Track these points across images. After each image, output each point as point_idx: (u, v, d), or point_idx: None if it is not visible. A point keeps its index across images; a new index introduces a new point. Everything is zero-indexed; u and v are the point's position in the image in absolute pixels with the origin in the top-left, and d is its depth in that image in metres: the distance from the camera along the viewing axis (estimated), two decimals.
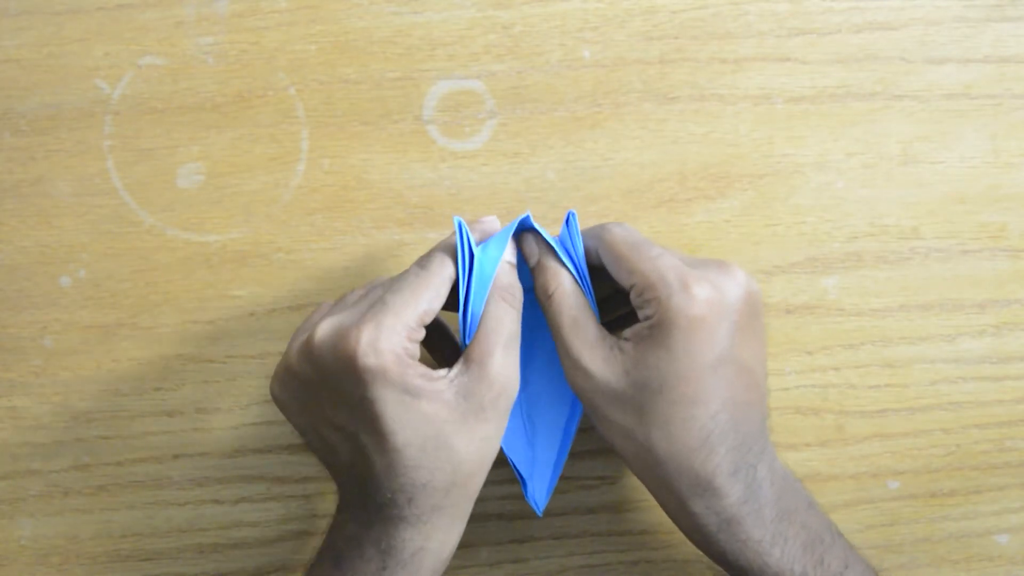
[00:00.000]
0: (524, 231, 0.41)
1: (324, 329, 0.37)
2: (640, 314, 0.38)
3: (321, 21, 0.47)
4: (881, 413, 0.49)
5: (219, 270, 0.47)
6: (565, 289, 0.39)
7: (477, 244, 0.40)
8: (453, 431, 0.37)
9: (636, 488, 0.48)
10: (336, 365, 0.37)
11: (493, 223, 0.41)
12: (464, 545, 0.48)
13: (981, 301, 0.49)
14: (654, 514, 0.48)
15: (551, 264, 0.40)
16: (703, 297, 0.36)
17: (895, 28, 0.48)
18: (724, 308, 0.37)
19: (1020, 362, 0.49)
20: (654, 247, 0.38)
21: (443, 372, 0.38)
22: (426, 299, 0.38)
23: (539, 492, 0.43)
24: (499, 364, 0.38)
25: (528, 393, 0.43)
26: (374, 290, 0.40)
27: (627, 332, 0.38)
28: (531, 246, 0.40)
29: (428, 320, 0.38)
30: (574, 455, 0.48)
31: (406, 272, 0.39)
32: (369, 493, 0.38)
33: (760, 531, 0.38)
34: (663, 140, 0.48)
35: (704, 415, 0.37)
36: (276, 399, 0.40)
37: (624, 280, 0.38)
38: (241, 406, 0.47)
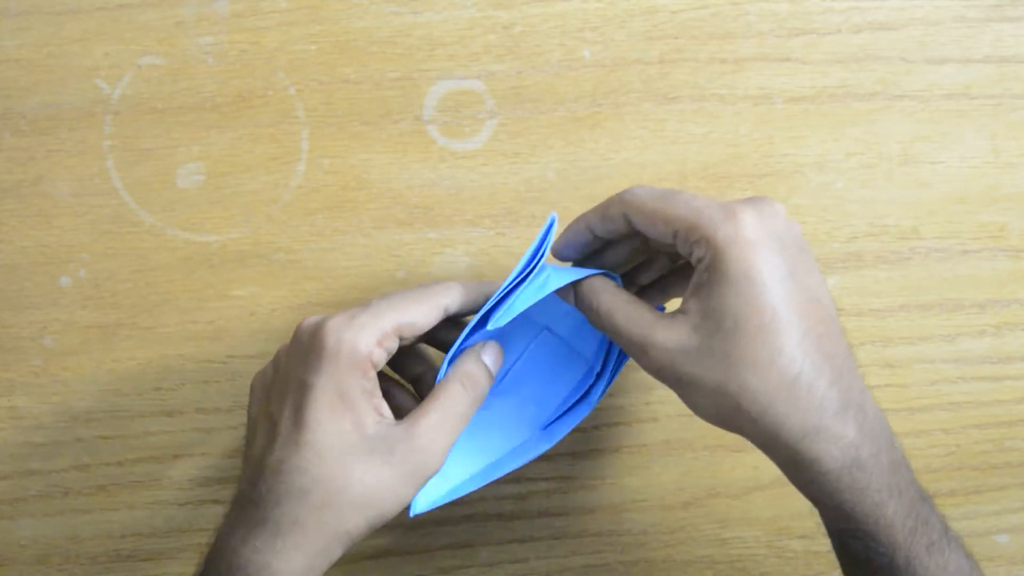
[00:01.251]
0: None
1: (313, 318, 0.38)
2: (692, 260, 0.36)
3: (321, 21, 0.47)
4: None
5: (219, 270, 0.47)
6: (605, 297, 0.38)
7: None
8: (354, 458, 0.36)
9: (636, 488, 0.48)
10: (305, 348, 0.37)
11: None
12: (464, 545, 0.48)
13: (981, 301, 0.49)
14: (654, 514, 0.48)
15: (583, 289, 0.39)
16: (750, 222, 0.35)
17: (895, 28, 0.48)
18: (774, 232, 0.35)
19: (1020, 362, 0.49)
20: (684, 193, 0.37)
21: (383, 410, 0.37)
22: (411, 313, 0.38)
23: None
24: (427, 426, 0.37)
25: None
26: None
27: (685, 293, 0.37)
28: (567, 290, 0.39)
29: (408, 334, 0.38)
30: (574, 455, 0.48)
31: (412, 287, 0.39)
32: (248, 489, 0.37)
33: (880, 479, 0.35)
34: (663, 140, 0.48)
35: (789, 344, 0.34)
36: (251, 390, 0.41)
37: (663, 233, 0.37)
38: (241, 406, 0.47)
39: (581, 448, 0.48)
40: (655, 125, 0.48)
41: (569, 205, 0.48)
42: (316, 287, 0.47)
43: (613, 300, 0.38)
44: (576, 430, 0.48)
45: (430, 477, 0.37)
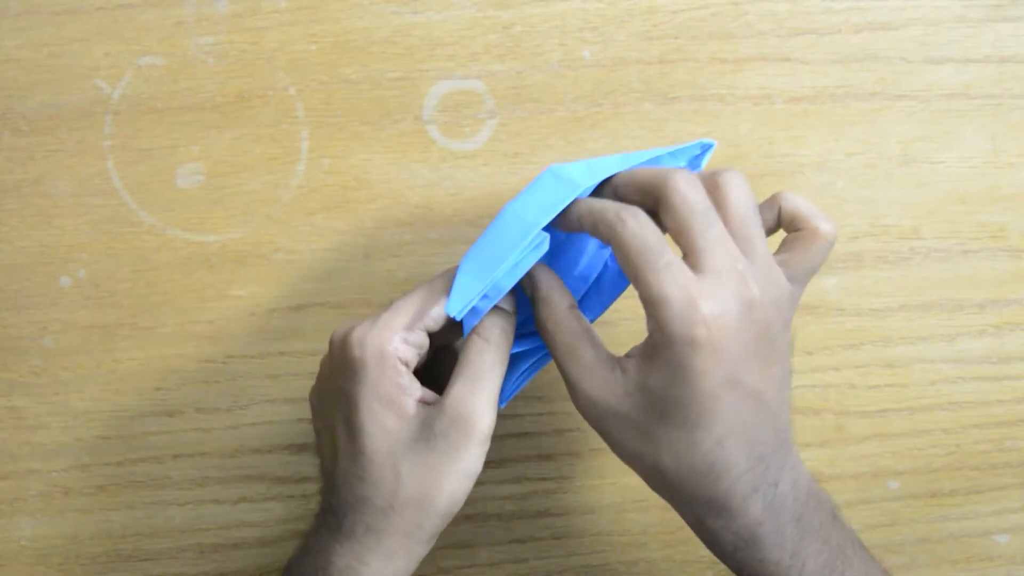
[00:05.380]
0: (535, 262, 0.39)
1: (341, 327, 0.38)
2: (647, 324, 0.36)
3: (321, 21, 0.47)
4: (881, 413, 0.49)
5: (219, 270, 0.47)
6: (557, 319, 0.37)
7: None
8: (403, 453, 0.37)
9: (636, 488, 0.48)
10: (339, 360, 0.38)
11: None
12: (464, 545, 0.48)
13: (981, 301, 0.49)
14: (654, 514, 0.48)
15: (543, 294, 0.38)
16: (706, 319, 0.34)
17: (895, 28, 0.48)
18: (729, 331, 0.34)
19: (1020, 362, 0.49)
20: (663, 255, 0.35)
21: (426, 396, 0.38)
22: (428, 303, 0.38)
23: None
24: (457, 396, 0.37)
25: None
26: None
27: (632, 349, 0.37)
28: (527, 278, 0.39)
29: (432, 325, 0.38)
30: (574, 455, 0.48)
31: (433, 278, 0.39)
32: (326, 499, 0.39)
33: (778, 552, 0.36)
34: (663, 140, 0.48)
35: (708, 440, 0.35)
36: (311, 405, 0.42)
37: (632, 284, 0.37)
38: (241, 406, 0.47)
39: (581, 448, 0.48)
40: (655, 125, 0.48)
41: None
42: (316, 287, 0.47)
43: (560, 325, 0.38)
44: (576, 430, 0.48)
45: (483, 437, 0.37)
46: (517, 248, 0.37)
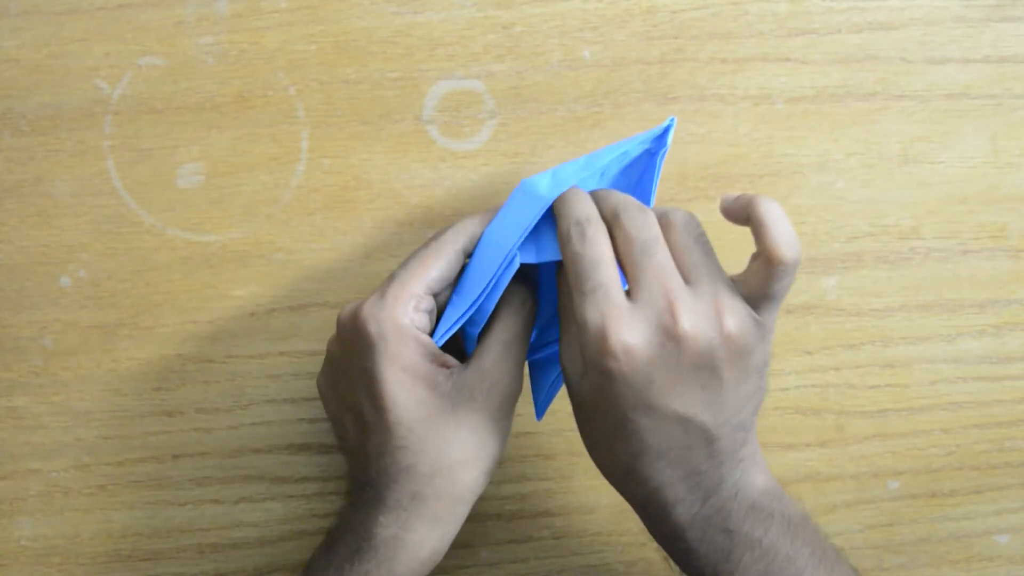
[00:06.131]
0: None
1: (347, 307, 0.39)
2: None
3: (321, 21, 0.47)
4: (881, 413, 0.49)
5: (219, 270, 0.47)
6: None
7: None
8: (442, 418, 0.38)
9: None
10: (351, 339, 0.38)
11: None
12: (464, 545, 0.48)
13: (981, 301, 0.49)
14: None
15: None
16: (615, 351, 0.35)
17: (895, 28, 0.48)
18: (641, 363, 0.35)
19: (1020, 362, 0.49)
20: (592, 278, 0.36)
21: (450, 361, 0.38)
22: (434, 267, 0.38)
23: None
24: (492, 359, 0.38)
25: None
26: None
27: None
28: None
29: (438, 288, 0.39)
30: (574, 455, 0.48)
31: (421, 246, 0.40)
32: (360, 474, 0.39)
33: (705, 559, 0.37)
34: None
35: (625, 453, 0.37)
36: (319, 390, 0.42)
37: None
38: (241, 406, 0.47)
39: (581, 448, 0.48)
40: (655, 125, 0.48)
41: None
42: (316, 287, 0.47)
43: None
44: (576, 430, 0.48)
45: (516, 399, 0.39)
46: (493, 270, 0.38)
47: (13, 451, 0.47)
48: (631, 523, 0.49)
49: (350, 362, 0.39)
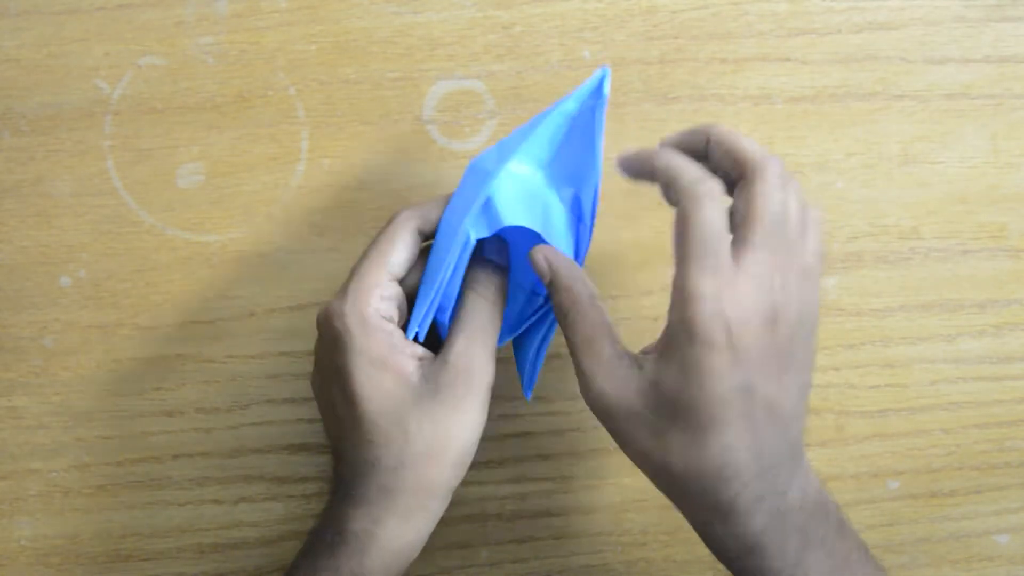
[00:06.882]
0: (532, 243, 0.39)
1: (321, 308, 0.39)
2: (668, 317, 0.36)
3: (321, 21, 0.47)
4: (881, 413, 0.49)
5: (219, 270, 0.47)
6: (580, 308, 0.37)
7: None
8: (407, 410, 0.37)
9: (636, 488, 0.48)
10: (325, 337, 0.39)
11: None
12: (464, 545, 0.48)
13: (981, 301, 0.49)
14: (654, 514, 0.48)
15: (565, 282, 0.38)
16: (730, 322, 0.33)
17: (895, 28, 0.48)
18: (751, 338, 0.34)
19: (1020, 362, 0.49)
20: (716, 253, 0.34)
21: (420, 352, 0.38)
22: (390, 252, 0.39)
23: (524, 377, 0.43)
24: (457, 349, 0.38)
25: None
26: None
27: (648, 346, 0.37)
28: (542, 263, 0.38)
29: (398, 272, 0.39)
30: (574, 455, 0.48)
31: (375, 236, 0.40)
32: (335, 472, 0.39)
33: (780, 561, 0.36)
34: None
35: (717, 445, 0.34)
36: (313, 391, 0.43)
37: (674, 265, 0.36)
38: (241, 406, 0.47)
39: (581, 448, 0.48)
40: (655, 125, 0.48)
41: None
42: (316, 287, 0.47)
43: (582, 316, 0.37)
44: (576, 430, 0.48)
45: (486, 388, 0.38)
46: (452, 253, 0.38)
47: (13, 451, 0.47)
48: (631, 523, 0.49)
49: (327, 361, 0.39)
